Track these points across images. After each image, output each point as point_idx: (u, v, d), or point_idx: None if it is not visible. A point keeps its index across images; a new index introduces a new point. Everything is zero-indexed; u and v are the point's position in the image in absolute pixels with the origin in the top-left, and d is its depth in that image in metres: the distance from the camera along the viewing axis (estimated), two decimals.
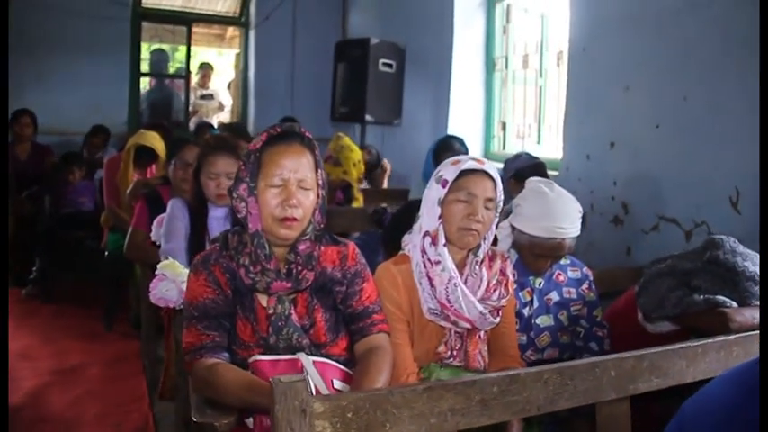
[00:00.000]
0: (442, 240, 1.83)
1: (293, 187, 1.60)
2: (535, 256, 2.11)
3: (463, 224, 1.83)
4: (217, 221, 2.71)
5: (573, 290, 2.24)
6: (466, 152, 4.03)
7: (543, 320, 2.19)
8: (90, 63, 6.19)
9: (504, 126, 5.06)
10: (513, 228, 2.15)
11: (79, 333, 4.16)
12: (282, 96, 6.68)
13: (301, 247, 1.64)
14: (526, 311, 2.18)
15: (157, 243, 2.88)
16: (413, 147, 5.18)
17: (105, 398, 3.30)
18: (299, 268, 1.63)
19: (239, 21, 7.14)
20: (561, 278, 2.24)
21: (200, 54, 8.66)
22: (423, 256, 1.86)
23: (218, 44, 8.64)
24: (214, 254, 1.66)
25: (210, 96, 7.62)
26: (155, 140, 4.23)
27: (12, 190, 5.19)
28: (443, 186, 1.85)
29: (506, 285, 1.92)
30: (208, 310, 1.61)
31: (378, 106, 4.88)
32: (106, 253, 4.27)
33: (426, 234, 1.87)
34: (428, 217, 1.87)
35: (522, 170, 3.27)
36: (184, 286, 1.99)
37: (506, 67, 5.00)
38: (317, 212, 1.66)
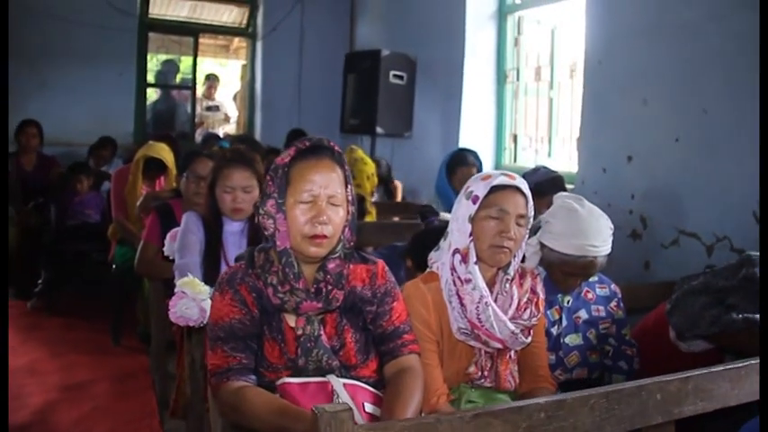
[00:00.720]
0: (473, 258, 1.78)
1: (323, 203, 1.55)
2: (565, 274, 2.06)
3: (495, 241, 1.78)
4: (232, 236, 2.66)
5: (601, 308, 2.18)
6: (480, 165, 3.99)
7: (572, 339, 2.13)
8: (96, 73, 6.15)
9: (515, 138, 5.02)
10: (542, 245, 2.09)
11: (86, 347, 4.09)
12: (290, 108, 6.64)
13: (331, 265, 1.59)
14: (555, 330, 2.12)
15: (170, 257, 2.82)
16: (423, 159, 5.13)
17: (114, 415, 3.23)
18: (329, 287, 1.57)
19: (246, 31, 7.11)
20: (590, 296, 2.19)
21: (205, 65, 8.63)
22: (452, 275, 1.81)
23: (224, 55, 8.62)
24: (240, 272, 1.61)
25: (216, 108, 7.58)
26: (164, 152, 4.18)
27: (17, 201, 5.15)
28: (474, 202, 1.80)
29: (537, 304, 1.87)
30: (234, 331, 1.55)
31: (388, 118, 4.83)
32: (114, 266, 4.20)
33: (456, 251, 1.81)
34: (458, 234, 1.82)
35: (540, 184, 3.21)
36: (205, 304, 1.94)
37: (518, 78, 4.97)
38: (346, 229, 1.61)
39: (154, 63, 7.14)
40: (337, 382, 1.56)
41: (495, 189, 1.80)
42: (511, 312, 1.81)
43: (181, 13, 7.02)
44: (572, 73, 4.40)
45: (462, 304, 1.79)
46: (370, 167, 3.67)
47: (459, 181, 3.87)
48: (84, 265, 4.83)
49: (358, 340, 1.63)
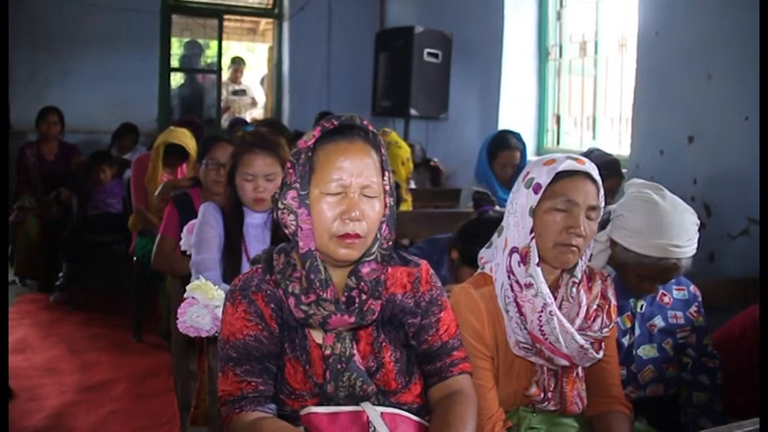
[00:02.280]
0: (535, 259, 1.49)
1: (355, 195, 1.27)
2: (641, 278, 1.75)
3: (561, 239, 1.48)
4: (254, 229, 2.40)
5: (680, 314, 1.88)
6: (523, 148, 3.68)
7: (646, 351, 1.83)
8: (118, 58, 5.95)
9: (558, 119, 4.69)
10: (613, 242, 1.79)
11: (107, 344, 3.90)
12: (318, 91, 6.37)
13: (365, 269, 1.31)
14: (626, 340, 1.82)
15: (188, 252, 2.58)
16: (460, 142, 4.83)
17: (133, 419, 3.02)
18: (363, 297, 1.30)
19: (272, 12, 6.84)
20: (666, 300, 1.88)
21: (231, 49, 8.39)
22: (509, 278, 1.52)
23: (251, 38, 8.36)
24: (255, 279, 1.34)
25: (243, 92, 7.34)
26: (185, 138, 3.94)
27: (38, 191, 4.98)
28: (536, 192, 1.50)
29: (609, 312, 1.57)
30: (249, 351, 1.29)
31: (422, 99, 4.53)
32: (134, 258, 3.99)
33: (514, 251, 1.52)
34: (516, 230, 1.53)
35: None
36: (218, 312, 1.69)
37: (560, 55, 4.63)
38: (383, 226, 1.33)
39: (177, 47, 6.90)
40: (374, 412, 1.29)
41: (560, 176, 1.50)
42: (578, 322, 1.52)
43: None
44: (621, 48, 4.05)
45: (521, 313, 1.50)
46: (405, 152, 3.38)
47: (502, 165, 3.58)
48: (106, 256, 4.64)
49: (398, 360, 1.36)
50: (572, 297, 1.55)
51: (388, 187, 1.34)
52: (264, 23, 7.83)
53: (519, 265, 1.51)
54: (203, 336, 1.70)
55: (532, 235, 1.50)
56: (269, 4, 6.86)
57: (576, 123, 4.52)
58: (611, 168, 2.92)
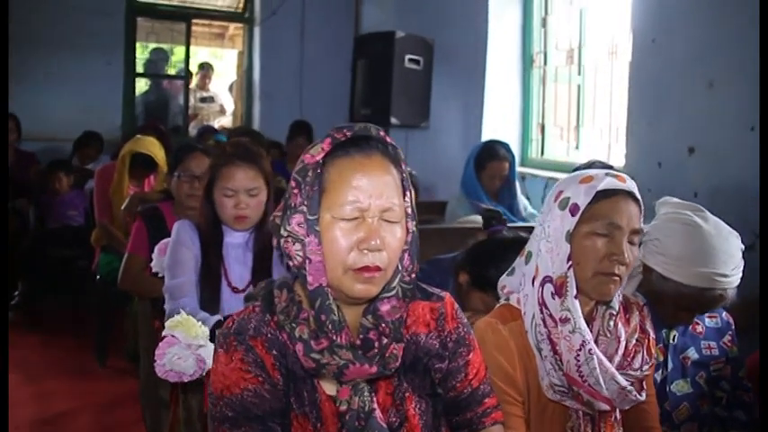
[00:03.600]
0: (573, 291, 1.30)
1: (374, 220, 1.06)
2: (680, 308, 1.57)
3: (603, 267, 1.30)
4: (234, 249, 2.17)
5: (713, 344, 1.71)
6: (513, 159, 3.52)
7: (680, 387, 1.66)
8: (80, 62, 5.62)
9: (542, 129, 4.54)
10: (647, 268, 1.61)
11: (68, 370, 3.61)
12: (291, 98, 6.12)
13: (384, 307, 1.10)
14: (658, 375, 1.64)
15: (159, 274, 2.34)
16: (441, 152, 4.64)
17: None
18: (385, 341, 1.09)
19: (243, 17, 6.58)
20: (699, 329, 1.71)
21: (199, 55, 8.09)
22: (542, 311, 1.33)
23: (218, 43, 8.08)
24: (253, 320, 1.11)
25: (211, 99, 7.06)
26: (153, 147, 3.69)
27: None
28: (573, 214, 1.32)
29: (648, 347, 1.39)
30: (247, 408, 1.06)
31: (403, 107, 4.34)
32: (98, 276, 3.71)
33: (547, 280, 1.33)
34: (550, 257, 1.34)
35: None
36: (204, 352, 1.46)
37: (545, 63, 4.48)
38: (405, 255, 1.13)
39: (142, 52, 6.60)
40: None
41: (600, 195, 1.32)
42: (617, 360, 1.34)
43: None
44: (612, 55, 3.91)
45: (556, 352, 1.31)
46: None
47: (490, 177, 3.44)
48: (67, 273, 4.34)
49: (423, 412, 1.15)
50: (609, 331, 1.37)
51: (410, 209, 1.13)
52: (233, 28, 7.57)
53: (553, 297, 1.32)
54: (185, 380, 1.47)
55: (570, 263, 1.31)
56: (239, 8, 6.61)
57: (563, 133, 4.38)
58: None
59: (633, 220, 1.32)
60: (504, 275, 1.51)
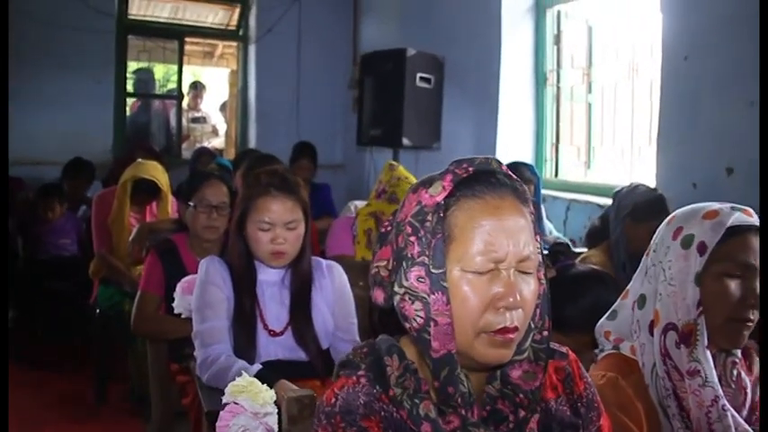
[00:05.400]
0: (704, 340, 1.13)
1: (511, 273, 0.89)
2: None
3: (737, 312, 1.16)
4: (270, 288, 1.98)
5: None
6: (537, 181, 3.36)
7: None
8: (68, 82, 5.36)
9: (557, 149, 4.40)
10: None
11: (63, 413, 3.35)
12: (288, 118, 5.93)
13: (515, 373, 0.93)
14: None
15: (183, 315, 2.13)
16: None
17: None
18: (521, 413, 0.91)
19: (237, 34, 6.39)
20: None
21: (184, 73, 7.87)
22: (665, 363, 1.16)
23: (208, 62, 7.87)
24: (361, 395, 0.92)
25: (203, 119, 6.85)
26: (156, 172, 3.47)
27: None
28: (701, 253, 1.15)
29: None
30: None
31: (414, 128, 4.16)
32: (97, 311, 3.47)
33: (670, 328, 1.17)
34: (674, 301, 1.17)
35: (640, 206, 2.59)
36: (270, 420, 1.25)
37: (559, 81, 4.35)
38: (537, 311, 0.95)
39: (131, 70, 6.37)
40: None
41: (729, 232, 1.16)
42: (744, 413, 1.19)
43: (162, 13, 6.28)
44: (633, 72, 3.79)
45: (683, 408, 1.15)
46: None
47: None
48: (62, 307, 4.07)
49: None
50: (733, 381, 1.22)
51: (541, 256, 0.96)
52: (223, 47, 7.38)
53: (678, 347, 1.16)
54: None
55: (700, 309, 1.14)
56: (233, 26, 6.42)
57: (579, 153, 4.24)
58: (658, 207, 2.60)
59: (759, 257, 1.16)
60: (605, 320, 1.34)
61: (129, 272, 3.25)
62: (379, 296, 0.96)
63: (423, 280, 0.89)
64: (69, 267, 4.13)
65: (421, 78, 4.18)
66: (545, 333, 0.96)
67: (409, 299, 0.90)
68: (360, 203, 3.19)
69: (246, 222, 1.93)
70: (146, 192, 3.44)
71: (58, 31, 5.20)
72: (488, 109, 4.36)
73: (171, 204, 3.41)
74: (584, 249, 2.88)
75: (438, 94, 4.30)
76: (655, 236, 1.28)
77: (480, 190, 0.91)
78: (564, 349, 1.06)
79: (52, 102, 5.28)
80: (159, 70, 7.15)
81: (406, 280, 0.90)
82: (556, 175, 4.42)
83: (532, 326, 0.94)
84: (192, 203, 2.51)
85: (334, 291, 2.02)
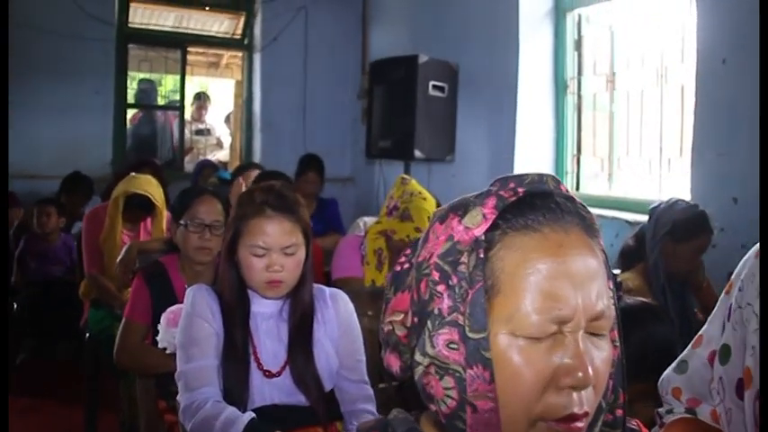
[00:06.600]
0: None
1: (578, 334, 0.63)
2: None
3: None
4: (265, 321, 1.73)
5: None
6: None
7: None
8: (66, 92, 5.16)
9: (578, 160, 4.15)
10: None
11: None
12: (294, 129, 5.73)
13: None
14: None
15: (167, 350, 1.89)
16: (469, 188, 4.14)
17: None
18: None
19: (242, 43, 6.19)
20: None
21: (188, 84, 7.69)
22: None
23: (213, 72, 7.69)
24: None
25: (207, 131, 6.64)
26: (150, 186, 3.24)
27: None
28: None
29: None
30: None
31: (427, 139, 3.93)
32: (87, 335, 3.23)
33: None
34: None
35: (680, 223, 2.33)
36: None
37: (579, 89, 4.10)
38: (611, 382, 0.70)
39: (131, 82, 6.18)
40: None
41: None
42: None
43: (166, 22, 6.09)
44: (660, 78, 3.54)
45: None
46: (431, 204, 2.74)
47: None
48: (53, 330, 3.86)
49: None
50: None
51: (614, 309, 0.70)
52: (228, 57, 7.20)
53: None
54: None
55: None
56: (237, 34, 6.22)
57: (603, 164, 3.98)
58: (701, 224, 2.35)
59: None
60: (671, 372, 1.09)
61: (120, 294, 3.03)
62: (393, 363, 0.71)
63: (456, 347, 0.63)
64: (60, 287, 3.91)
65: (434, 86, 3.95)
66: (618, 413, 0.71)
67: (436, 372, 0.64)
68: (369, 219, 2.96)
69: (238, 247, 1.68)
70: (139, 208, 3.22)
71: (55, 39, 5.00)
72: (505, 119, 4.12)
73: (167, 221, 3.19)
74: (617, 272, 2.63)
75: (452, 104, 4.07)
76: (739, 268, 1.03)
77: (536, 220, 0.66)
78: (633, 424, 0.81)
79: (49, 112, 5.10)
80: (168, 81, 6.98)
81: (433, 346, 0.64)
82: (577, 188, 4.17)
83: (603, 405, 0.69)
84: (182, 222, 2.27)
85: (339, 324, 1.77)
